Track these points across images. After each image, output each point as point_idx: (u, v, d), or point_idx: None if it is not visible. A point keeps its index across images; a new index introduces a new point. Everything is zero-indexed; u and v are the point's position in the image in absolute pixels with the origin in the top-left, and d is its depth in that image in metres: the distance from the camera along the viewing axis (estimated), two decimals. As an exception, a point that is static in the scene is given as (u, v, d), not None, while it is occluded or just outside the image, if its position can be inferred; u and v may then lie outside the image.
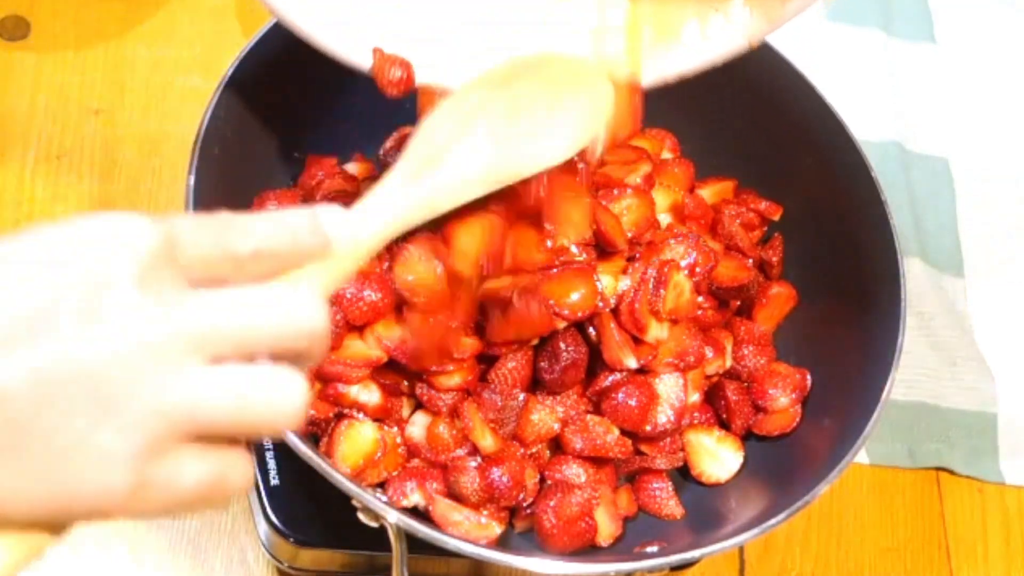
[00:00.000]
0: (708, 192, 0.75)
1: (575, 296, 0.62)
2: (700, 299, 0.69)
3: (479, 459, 0.62)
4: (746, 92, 0.75)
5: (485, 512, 0.62)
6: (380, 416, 0.62)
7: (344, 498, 0.52)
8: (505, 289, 0.59)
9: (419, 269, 0.62)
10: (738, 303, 0.72)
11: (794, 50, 0.74)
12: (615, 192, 0.68)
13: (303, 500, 0.62)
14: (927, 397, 0.84)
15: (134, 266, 0.33)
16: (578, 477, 0.64)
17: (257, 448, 0.63)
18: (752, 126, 0.76)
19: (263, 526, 0.63)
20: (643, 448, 0.66)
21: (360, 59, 0.61)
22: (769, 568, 0.75)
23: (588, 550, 0.63)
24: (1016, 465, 0.83)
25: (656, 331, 0.64)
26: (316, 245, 0.39)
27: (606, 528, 0.64)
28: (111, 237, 0.34)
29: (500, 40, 0.61)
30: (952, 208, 0.94)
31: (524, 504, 0.63)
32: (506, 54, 0.60)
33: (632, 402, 0.64)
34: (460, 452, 0.62)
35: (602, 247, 0.65)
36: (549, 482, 0.64)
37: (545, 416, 0.63)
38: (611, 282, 0.64)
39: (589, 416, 0.64)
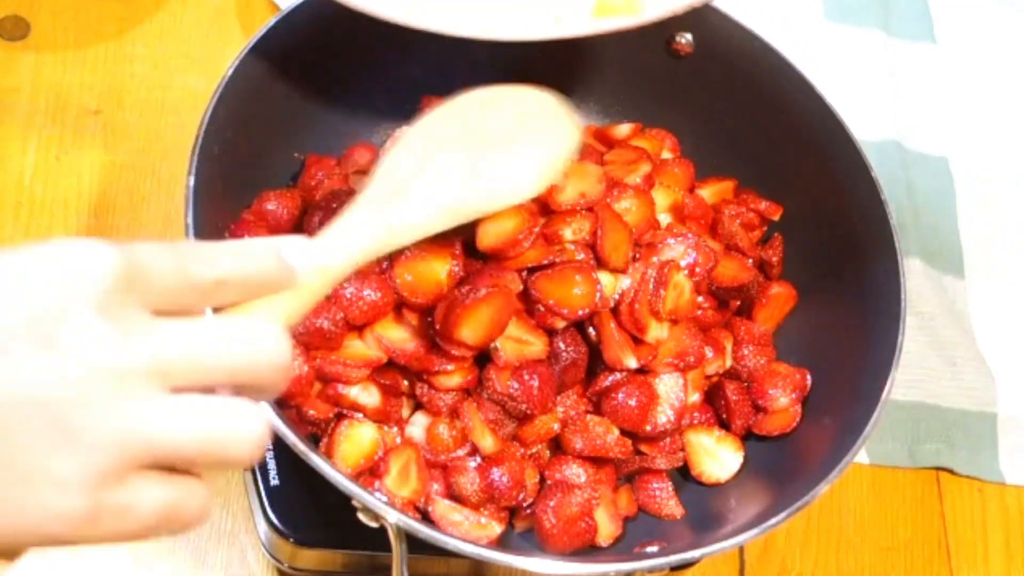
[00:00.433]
0: (708, 192, 0.75)
1: (575, 293, 0.62)
2: (700, 299, 0.69)
3: (479, 459, 0.62)
4: (746, 92, 0.75)
5: (485, 512, 0.62)
6: (379, 418, 0.62)
7: (344, 498, 0.52)
8: None
9: (419, 269, 0.62)
10: (738, 303, 0.72)
11: (794, 50, 0.74)
12: (615, 192, 0.68)
13: (303, 500, 0.62)
14: (927, 397, 0.83)
15: (94, 293, 0.33)
16: (578, 477, 0.64)
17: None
18: (752, 126, 0.76)
19: (263, 526, 0.63)
20: (643, 448, 0.66)
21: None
22: (769, 568, 0.75)
23: (588, 550, 0.63)
24: (1016, 465, 0.83)
25: (656, 331, 0.64)
26: (280, 276, 0.40)
27: (606, 528, 0.64)
28: (72, 263, 0.34)
29: None
30: (952, 208, 0.94)
31: (524, 504, 0.63)
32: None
33: (632, 402, 0.64)
34: (460, 452, 0.62)
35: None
36: (549, 482, 0.64)
37: (545, 416, 0.63)
38: (611, 281, 0.64)
39: (589, 416, 0.64)
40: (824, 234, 0.73)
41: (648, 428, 0.65)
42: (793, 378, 0.68)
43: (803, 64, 0.73)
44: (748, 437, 0.69)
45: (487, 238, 0.61)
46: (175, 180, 0.80)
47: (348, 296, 0.61)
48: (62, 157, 0.80)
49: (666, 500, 0.66)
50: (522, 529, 0.64)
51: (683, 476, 0.68)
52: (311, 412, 0.61)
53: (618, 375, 0.63)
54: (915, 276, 0.88)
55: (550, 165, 0.58)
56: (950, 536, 0.80)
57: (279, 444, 0.61)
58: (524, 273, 0.62)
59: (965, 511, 0.81)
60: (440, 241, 0.63)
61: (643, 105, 0.80)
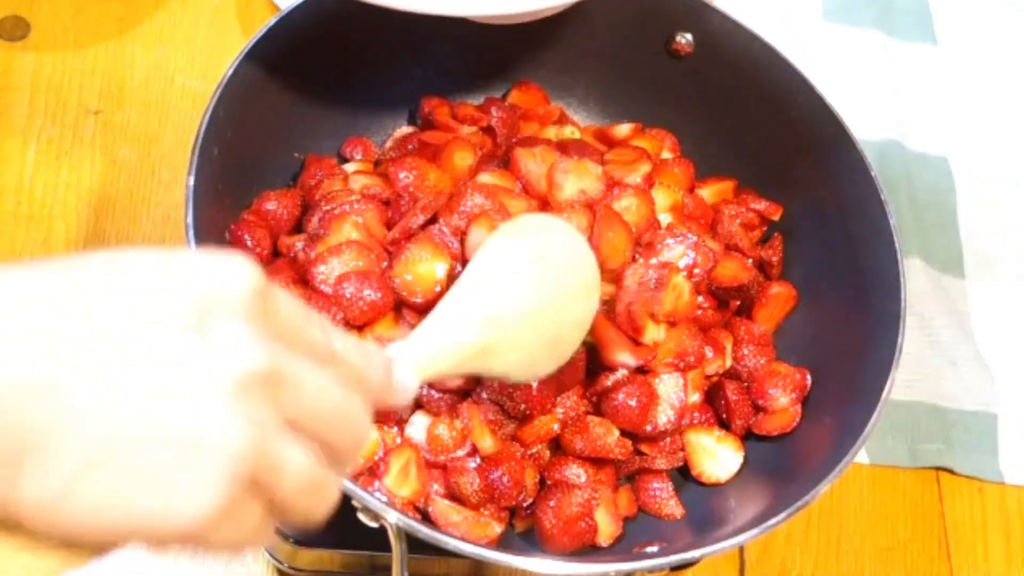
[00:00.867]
0: (708, 192, 0.75)
1: None
2: (700, 299, 0.69)
3: (479, 459, 0.62)
4: (746, 92, 0.75)
5: (485, 512, 0.62)
6: (379, 418, 0.62)
7: (344, 498, 0.52)
8: None
9: (419, 269, 0.62)
10: (738, 303, 0.72)
11: (794, 50, 0.74)
12: (615, 191, 0.68)
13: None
14: (927, 397, 0.83)
15: (245, 299, 0.34)
16: (578, 477, 0.64)
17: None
18: (752, 126, 0.76)
19: (263, 526, 0.63)
20: (643, 448, 0.66)
21: None
22: (769, 568, 0.75)
23: (588, 550, 0.63)
24: (1016, 465, 0.83)
25: (653, 333, 0.64)
26: (380, 382, 0.41)
27: (606, 528, 0.64)
28: (225, 269, 0.34)
29: None
30: (952, 208, 0.94)
31: (524, 504, 0.63)
32: None
33: (632, 402, 0.64)
34: (460, 452, 0.62)
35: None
36: (549, 482, 0.64)
37: (545, 417, 0.63)
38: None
39: (589, 417, 0.64)
40: (824, 234, 0.73)
41: (648, 428, 0.65)
42: (793, 378, 0.68)
43: (803, 64, 0.73)
44: (748, 437, 0.69)
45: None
46: (175, 180, 0.80)
47: (348, 296, 0.61)
48: (62, 157, 0.80)
49: (666, 500, 0.66)
50: (522, 529, 0.64)
51: (683, 476, 0.68)
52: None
53: (618, 375, 0.63)
54: (915, 276, 0.88)
55: (576, 348, 0.59)
56: (950, 536, 0.80)
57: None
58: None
59: (965, 511, 0.81)
60: (438, 241, 0.63)
61: (643, 105, 0.80)
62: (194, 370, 0.32)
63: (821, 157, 0.72)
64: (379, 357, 0.41)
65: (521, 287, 0.54)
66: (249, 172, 0.67)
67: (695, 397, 0.67)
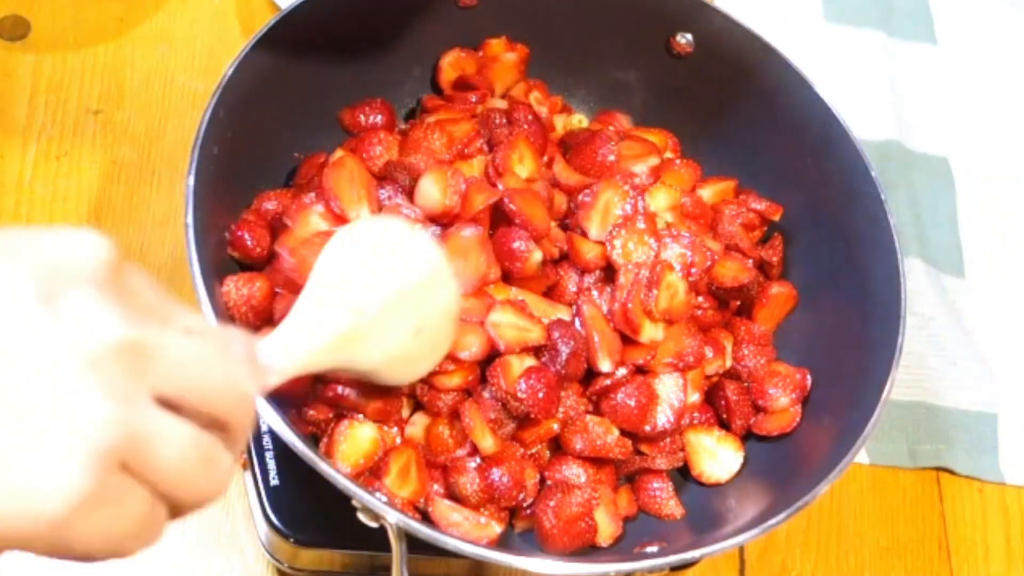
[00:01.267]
0: (709, 192, 0.75)
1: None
2: (700, 299, 0.69)
3: (479, 460, 0.62)
4: (746, 92, 0.75)
5: (485, 512, 0.62)
6: (379, 418, 0.62)
7: (344, 498, 0.52)
8: None
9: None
10: (738, 303, 0.72)
11: (794, 50, 0.75)
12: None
13: (303, 500, 0.62)
14: (927, 397, 0.83)
15: (95, 271, 0.32)
16: (578, 477, 0.64)
17: (257, 448, 0.63)
18: (752, 126, 0.76)
19: (263, 526, 0.63)
20: (643, 448, 0.66)
21: None
22: (769, 568, 0.75)
23: (588, 550, 0.63)
24: (1016, 465, 0.83)
25: (651, 331, 0.64)
26: (244, 359, 0.38)
27: (606, 528, 0.64)
28: (75, 242, 0.33)
29: None
30: (952, 208, 0.94)
31: (524, 504, 0.63)
32: None
33: (631, 402, 0.64)
34: (460, 452, 0.62)
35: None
36: (549, 482, 0.64)
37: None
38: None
39: (589, 416, 0.64)
40: (824, 234, 0.73)
41: (648, 428, 0.65)
42: (793, 378, 0.68)
43: (803, 64, 0.73)
44: (748, 437, 0.69)
45: None
46: (175, 180, 0.80)
47: None
48: (62, 157, 0.80)
49: (666, 500, 0.66)
50: (522, 529, 0.64)
51: (683, 476, 0.68)
52: (311, 412, 0.61)
53: (619, 374, 0.64)
54: (915, 276, 0.88)
55: (447, 346, 0.59)
56: (950, 536, 0.80)
57: (279, 444, 0.62)
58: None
59: (965, 511, 0.81)
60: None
61: (643, 105, 0.80)
62: (45, 344, 0.30)
63: (821, 157, 0.72)
64: (240, 334, 0.39)
65: (376, 276, 0.53)
66: (249, 172, 0.67)
67: (695, 397, 0.67)
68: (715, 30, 0.75)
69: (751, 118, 0.76)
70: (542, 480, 0.64)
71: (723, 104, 0.77)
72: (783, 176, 0.75)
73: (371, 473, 0.61)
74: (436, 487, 0.62)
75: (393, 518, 0.52)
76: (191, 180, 0.58)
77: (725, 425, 0.68)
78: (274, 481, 0.62)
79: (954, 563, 0.79)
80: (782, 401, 0.68)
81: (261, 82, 0.65)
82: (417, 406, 0.64)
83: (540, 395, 0.61)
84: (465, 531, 0.60)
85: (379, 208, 0.67)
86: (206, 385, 0.34)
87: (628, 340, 0.65)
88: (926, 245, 0.90)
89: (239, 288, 0.61)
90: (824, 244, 0.72)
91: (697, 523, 0.65)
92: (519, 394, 0.60)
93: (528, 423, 0.63)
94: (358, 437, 0.61)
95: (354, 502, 0.52)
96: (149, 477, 0.32)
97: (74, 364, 0.30)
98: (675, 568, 0.63)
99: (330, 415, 0.61)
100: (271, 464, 0.63)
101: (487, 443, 0.61)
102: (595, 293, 0.66)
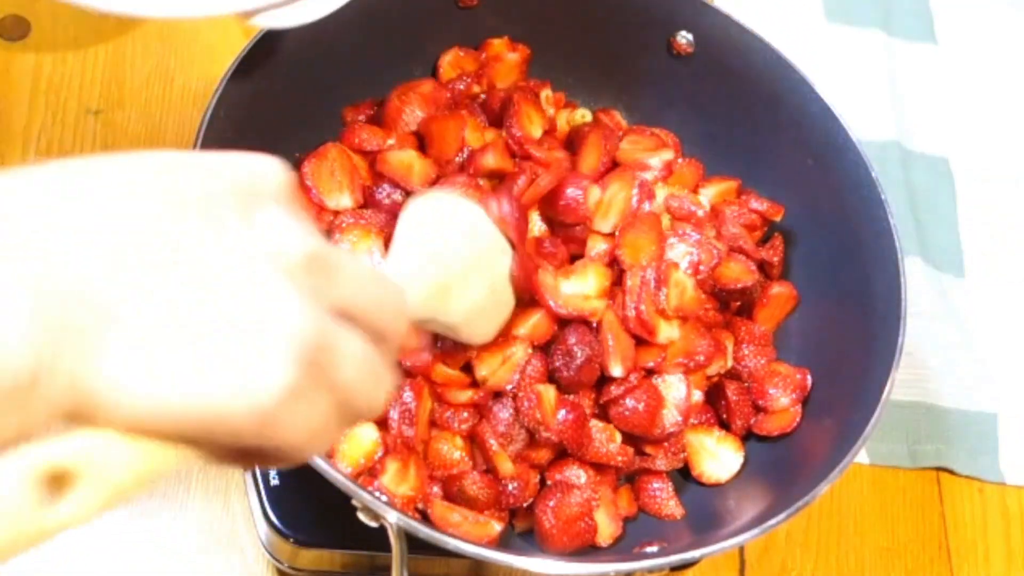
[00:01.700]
0: (711, 192, 0.75)
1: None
2: (704, 298, 0.69)
3: (484, 466, 0.62)
4: (746, 92, 0.75)
5: (484, 512, 0.62)
6: (379, 419, 0.62)
7: (344, 498, 0.52)
8: None
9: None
10: (738, 303, 0.72)
11: (794, 50, 0.74)
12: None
13: (303, 500, 0.62)
14: (927, 397, 0.83)
15: (282, 190, 0.35)
16: (578, 479, 0.64)
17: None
18: (752, 126, 0.76)
19: (263, 526, 0.63)
20: (647, 449, 0.66)
21: None
22: (769, 568, 0.75)
23: (588, 550, 0.63)
24: (1016, 465, 0.83)
25: (667, 331, 0.64)
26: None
27: (606, 528, 0.64)
28: (261, 164, 0.35)
29: None
30: (952, 208, 0.94)
31: (524, 504, 0.63)
32: None
33: (640, 406, 0.64)
34: (465, 459, 0.62)
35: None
36: (549, 482, 0.64)
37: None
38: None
39: (592, 422, 0.64)
40: (824, 234, 0.73)
41: (657, 431, 0.65)
42: (793, 378, 0.68)
43: (803, 64, 0.73)
44: (748, 437, 0.69)
45: None
46: (175, 180, 0.80)
47: None
48: (62, 157, 0.80)
49: (666, 500, 0.66)
50: (522, 529, 0.64)
51: (683, 476, 0.68)
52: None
53: (631, 381, 0.64)
54: (915, 276, 0.87)
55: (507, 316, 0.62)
56: (950, 536, 0.79)
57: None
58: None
59: (965, 511, 0.81)
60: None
61: (643, 105, 0.80)
62: (246, 253, 0.32)
63: (821, 157, 0.72)
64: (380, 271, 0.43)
65: (452, 236, 0.56)
66: (249, 172, 0.67)
67: (696, 397, 0.67)
68: (715, 30, 0.75)
69: (751, 118, 0.76)
70: (542, 480, 0.64)
71: (723, 104, 0.77)
72: (783, 176, 0.75)
73: (370, 473, 0.61)
74: (435, 489, 0.62)
75: (393, 518, 0.52)
76: (191, 180, 0.58)
77: (725, 425, 0.68)
78: (274, 481, 0.62)
79: (954, 563, 0.79)
80: (782, 401, 0.68)
81: (261, 82, 0.65)
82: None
83: (575, 429, 0.62)
84: (465, 531, 0.60)
85: (362, 197, 0.67)
86: (374, 298, 0.37)
87: (642, 342, 0.65)
88: (926, 245, 0.90)
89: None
90: (824, 244, 0.72)
91: (697, 523, 0.65)
92: (555, 426, 0.61)
93: (541, 443, 0.63)
94: (358, 437, 0.61)
95: (354, 502, 0.52)
96: (333, 381, 0.34)
97: (273, 270, 0.32)
98: (675, 568, 0.63)
99: (330, 415, 0.61)
100: (271, 464, 0.63)
101: (507, 468, 0.61)
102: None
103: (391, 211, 0.67)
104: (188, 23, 0.88)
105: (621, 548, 0.64)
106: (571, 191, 0.67)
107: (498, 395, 0.63)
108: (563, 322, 0.64)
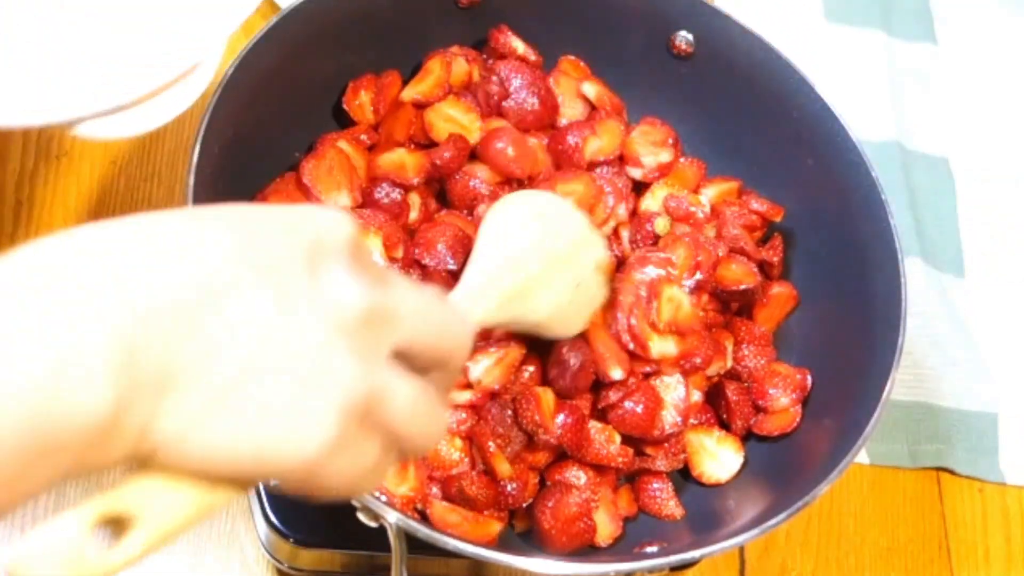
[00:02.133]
0: (712, 192, 0.75)
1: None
2: (704, 299, 0.69)
3: (481, 467, 0.62)
4: (746, 92, 0.75)
5: (484, 512, 0.62)
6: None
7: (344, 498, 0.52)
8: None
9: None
10: (739, 304, 0.72)
11: (794, 50, 0.74)
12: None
13: (303, 500, 0.62)
14: (927, 397, 0.83)
15: (348, 244, 0.37)
16: (578, 480, 0.64)
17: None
18: (752, 126, 0.76)
19: (263, 526, 0.63)
20: (647, 450, 0.66)
21: None
22: (769, 568, 0.75)
23: (588, 550, 0.63)
24: (1017, 465, 0.83)
25: (660, 345, 0.64)
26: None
27: (605, 528, 0.64)
28: (327, 219, 0.37)
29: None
30: (952, 208, 0.94)
31: (523, 504, 0.63)
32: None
33: (639, 409, 0.64)
34: (461, 468, 0.62)
35: None
36: (549, 482, 0.64)
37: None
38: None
39: (591, 423, 0.64)
40: (824, 234, 0.72)
41: (656, 432, 0.65)
42: (793, 378, 0.68)
43: (803, 64, 0.73)
44: (748, 437, 0.69)
45: None
46: (175, 180, 0.80)
47: None
48: (62, 157, 0.80)
49: (666, 500, 0.66)
50: (522, 529, 0.64)
51: (683, 477, 0.68)
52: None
53: (629, 384, 0.64)
54: (915, 276, 0.87)
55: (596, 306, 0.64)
56: (950, 536, 0.79)
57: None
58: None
59: (965, 511, 0.81)
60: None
61: (643, 105, 0.80)
62: (308, 310, 0.34)
63: (821, 157, 0.72)
64: (441, 297, 0.44)
65: (535, 236, 0.59)
66: (249, 172, 0.67)
67: (696, 397, 0.67)
68: (715, 30, 0.75)
69: (751, 118, 0.76)
70: (542, 480, 0.64)
71: (723, 104, 0.77)
72: (783, 176, 0.75)
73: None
74: (435, 490, 0.62)
75: (393, 518, 0.52)
76: (191, 180, 0.58)
77: (725, 425, 0.68)
78: (274, 481, 0.62)
79: (954, 563, 0.79)
80: (782, 401, 0.68)
81: (261, 81, 0.65)
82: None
83: (574, 432, 0.62)
84: (464, 531, 0.60)
85: (361, 196, 0.67)
86: (434, 331, 0.39)
87: (637, 357, 0.65)
88: (926, 245, 0.90)
89: (239, 288, 0.61)
90: (824, 244, 0.72)
91: (697, 523, 0.65)
92: (556, 430, 0.61)
93: (540, 446, 0.63)
94: (358, 437, 0.61)
95: (354, 502, 0.52)
96: (384, 426, 0.37)
97: (331, 330, 0.34)
98: (675, 568, 0.63)
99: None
100: (271, 464, 0.63)
101: (505, 469, 0.61)
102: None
103: (389, 210, 0.67)
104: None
105: (621, 548, 0.64)
106: (571, 138, 0.70)
107: (495, 397, 0.63)
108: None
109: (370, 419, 0.36)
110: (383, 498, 0.55)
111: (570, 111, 0.75)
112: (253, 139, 0.66)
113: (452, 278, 0.62)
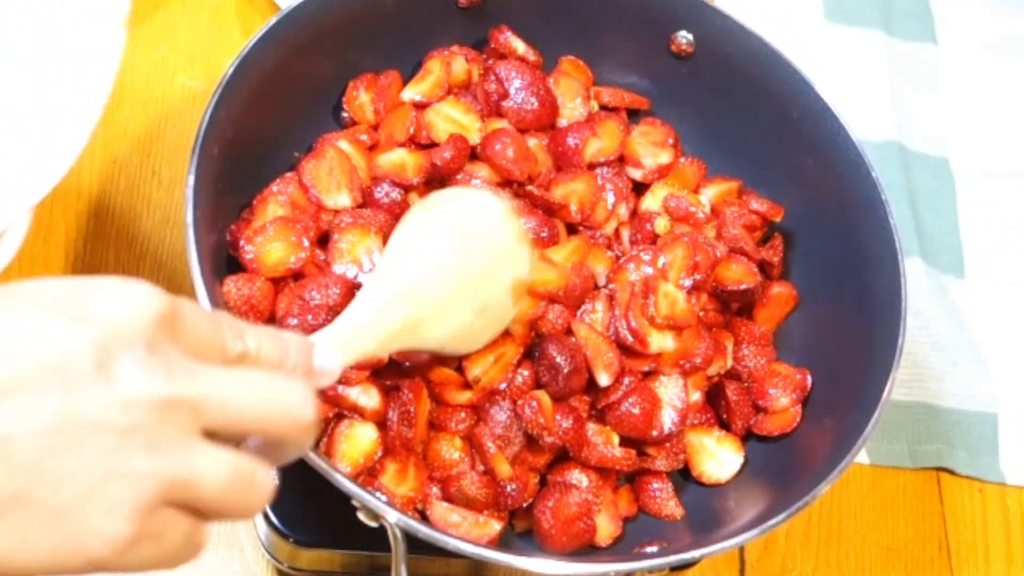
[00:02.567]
0: (712, 192, 0.75)
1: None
2: (704, 299, 0.69)
3: (481, 468, 0.62)
4: (746, 92, 0.75)
5: (484, 512, 0.62)
6: (379, 419, 0.62)
7: (344, 498, 0.52)
8: None
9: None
10: (739, 304, 0.72)
11: (794, 50, 0.74)
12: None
13: (303, 500, 0.62)
14: (927, 397, 0.83)
15: (145, 329, 0.35)
16: (580, 483, 0.64)
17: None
18: (752, 126, 0.76)
19: (262, 526, 0.63)
20: (646, 450, 0.66)
21: None
22: (769, 568, 0.75)
23: (588, 550, 0.63)
24: (1017, 465, 0.83)
25: (659, 340, 0.64)
26: (301, 369, 0.42)
27: (605, 528, 0.64)
28: (125, 299, 0.36)
29: None
30: (952, 208, 0.94)
31: (523, 505, 0.63)
32: None
33: (636, 410, 0.64)
34: (461, 467, 0.62)
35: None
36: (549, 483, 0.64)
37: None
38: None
39: (588, 424, 0.64)
40: (824, 234, 0.72)
41: (654, 433, 0.65)
42: (793, 378, 0.68)
43: (803, 64, 0.73)
44: (748, 437, 0.69)
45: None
46: (175, 180, 0.80)
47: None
48: (62, 157, 0.80)
49: (666, 501, 0.66)
50: (522, 529, 0.64)
51: (683, 477, 0.68)
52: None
53: (625, 383, 0.64)
54: (915, 276, 0.87)
55: (514, 311, 0.61)
56: (950, 537, 0.79)
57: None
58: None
59: (966, 511, 0.81)
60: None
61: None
62: (98, 410, 0.34)
63: (821, 157, 0.72)
64: (297, 343, 0.43)
65: (442, 258, 0.56)
66: (249, 172, 0.67)
67: (696, 397, 0.67)
68: (715, 30, 0.75)
69: (751, 118, 0.76)
70: (542, 480, 0.64)
71: (723, 104, 0.77)
72: (783, 176, 0.75)
73: (370, 473, 0.61)
74: (435, 490, 0.62)
75: (393, 518, 0.52)
76: (191, 180, 0.58)
77: (725, 425, 0.68)
78: (274, 481, 0.62)
79: (954, 563, 0.79)
80: (782, 401, 0.68)
81: (261, 82, 0.65)
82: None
83: (574, 431, 0.62)
84: (464, 531, 0.60)
85: (361, 196, 0.67)
86: (251, 416, 0.38)
87: (635, 353, 0.65)
88: (926, 245, 0.90)
89: (239, 288, 0.61)
90: (824, 244, 0.72)
91: (697, 523, 0.65)
92: (558, 431, 0.61)
93: (541, 447, 0.63)
94: (358, 437, 0.61)
95: (354, 502, 0.52)
96: (192, 507, 0.36)
97: (121, 427, 0.34)
98: (675, 568, 0.63)
99: (330, 415, 0.61)
100: (271, 464, 0.63)
101: (504, 470, 0.61)
102: (600, 307, 0.66)
103: (390, 210, 0.67)
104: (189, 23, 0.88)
105: (621, 548, 0.64)
106: (571, 139, 0.70)
107: (494, 397, 0.63)
108: (541, 334, 0.64)
109: (175, 503, 0.36)
110: (383, 498, 0.55)
111: (570, 111, 0.74)
112: (253, 139, 0.66)
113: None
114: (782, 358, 0.71)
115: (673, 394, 0.65)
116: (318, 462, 0.52)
